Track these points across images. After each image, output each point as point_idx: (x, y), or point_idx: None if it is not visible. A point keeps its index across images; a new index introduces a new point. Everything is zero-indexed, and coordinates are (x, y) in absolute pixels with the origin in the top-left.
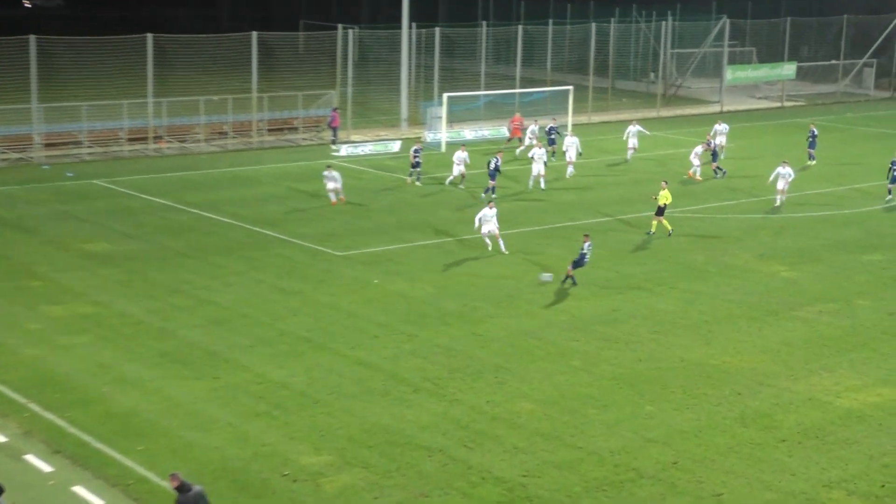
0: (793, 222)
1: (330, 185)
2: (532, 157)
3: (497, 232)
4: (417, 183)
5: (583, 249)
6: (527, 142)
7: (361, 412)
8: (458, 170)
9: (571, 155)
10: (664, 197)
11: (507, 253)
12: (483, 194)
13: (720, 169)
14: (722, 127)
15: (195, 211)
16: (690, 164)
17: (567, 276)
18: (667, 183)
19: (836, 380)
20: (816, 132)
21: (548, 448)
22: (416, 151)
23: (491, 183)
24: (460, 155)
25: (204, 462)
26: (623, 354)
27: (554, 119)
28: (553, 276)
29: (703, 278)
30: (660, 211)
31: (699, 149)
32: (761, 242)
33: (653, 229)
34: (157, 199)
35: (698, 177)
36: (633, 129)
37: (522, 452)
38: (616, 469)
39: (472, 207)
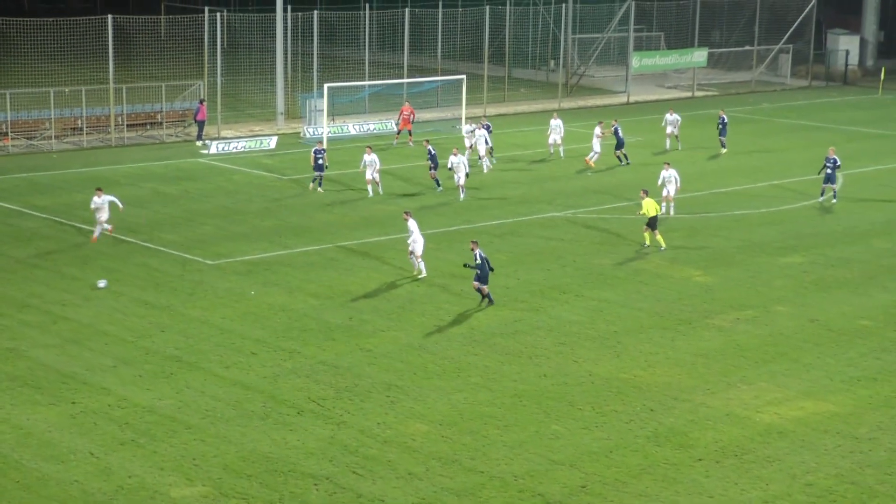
0: (705, 222)
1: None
2: (451, 168)
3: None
4: (320, 189)
5: (476, 260)
6: (467, 143)
7: (238, 438)
8: (370, 174)
9: (481, 149)
10: (649, 207)
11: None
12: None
13: (625, 157)
14: (673, 117)
15: (45, 216)
16: (590, 150)
17: (484, 297)
18: (647, 192)
19: (755, 393)
20: (726, 119)
21: (446, 473)
22: (317, 153)
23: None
24: (367, 158)
25: (62, 499)
26: (526, 369)
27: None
28: (108, 283)
29: (612, 285)
30: (652, 223)
31: (598, 130)
32: (672, 244)
33: (647, 241)
34: (2, 204)
35: (593, 163)
36: (555, 122)
37: (417, 479)
38: (521, 495)
39: (357, 209)
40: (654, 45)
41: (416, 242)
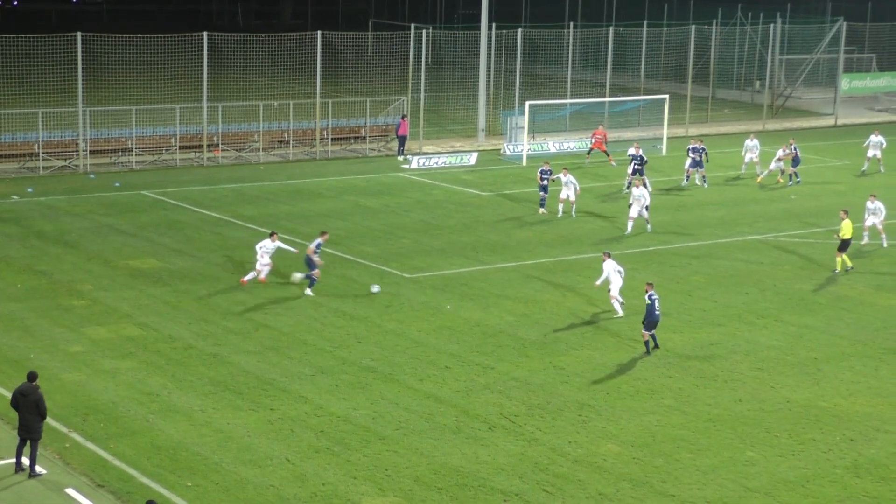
0: None
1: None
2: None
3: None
4: (543, 210)
5: (647, 301)
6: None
7: (430, 451)
8: (565, 193)
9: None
10: (846, 229)
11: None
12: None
13: (796, 175)
14: (878, 139)
15: (251, 226)
16: (777, 172)
17: (647, 345)
18: (847, 213)
19: None
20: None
21: (636, 495)
22: (543, 173)
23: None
24: (564, 178)
25: (258, 502)
26: (722, 393)
27: (699, 140)
28: (381, 288)
29: (812, 311)
30: (843, 245)
31: (781, 152)
32: (878, 270)
33: (838, 267)
34: (210, 213)
35: (778, 178)
36: (751, 143)
37: (608, 499)
38: None
39: (554, 227)
40: (865, 66)
41: (613, 283)
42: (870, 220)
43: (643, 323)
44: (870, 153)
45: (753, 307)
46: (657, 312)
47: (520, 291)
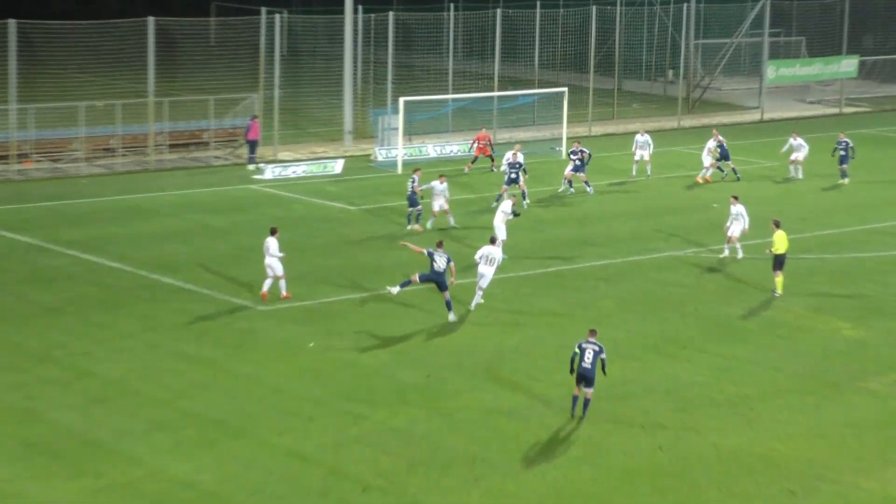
0: (856, 264)
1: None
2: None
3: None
4: (416, 226)
5: (575, 358)
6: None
7: None
8: (437, 205)
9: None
10: (780, 242)
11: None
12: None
13: (734, 170)
14: (798, 142)
15: (72, 253)
16: (701, 166)
17: (574, 402)
18: (778, 224)
19: None
20: (851, 143)
21: None
22: (414, 183)
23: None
24: (438, 186)
25: None
26: (638, 441)
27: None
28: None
29: (742, 339)
30: (778, 262)
31: (711, 143)
32: (816, 291)
33: (778, 289)
34: (21, 237)
35: (709, 177)
36: (641, 138)
37: None
38: None
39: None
40: (793, 52)
41: (483, 277)
42: (732, 229)
43: (579, 379)
44: (793, 156)
45: (673, 336)
46: (585, 365)
47: (398, 324)
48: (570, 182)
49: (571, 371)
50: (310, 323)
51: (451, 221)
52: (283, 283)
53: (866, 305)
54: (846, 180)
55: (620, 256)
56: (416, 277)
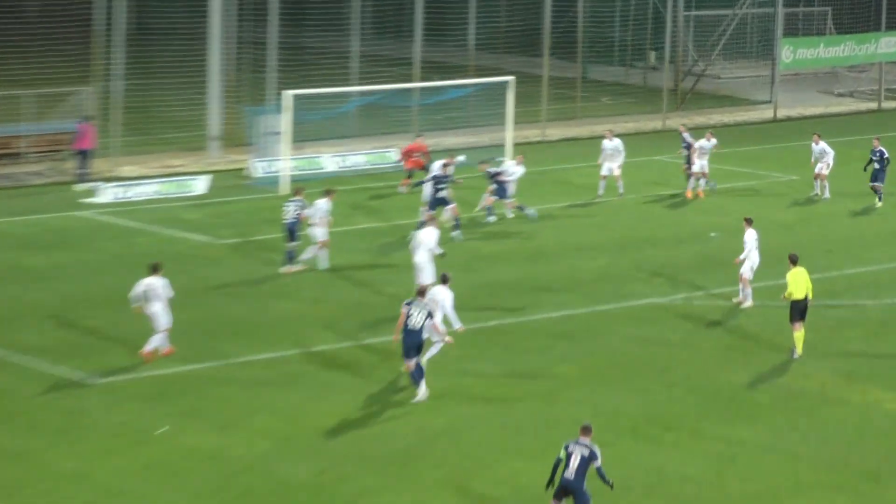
0: None
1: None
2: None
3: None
4: (292, 267)
5: (561, 468)
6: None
7: None
8: (321, 233)
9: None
10: (796, 283)
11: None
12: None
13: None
14: (819, 147)
15: None
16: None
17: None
18: (794, 260)
19: None
20: (886, 154)
21: None
22: (293, 206)
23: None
24: (323, 208)
25: None
26: None
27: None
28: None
29: (750, 416)
30: (797, 311)
31: (705, 143)
32: (846, 349)
33: (798, 348)
34: None
35: (701, 191)
36: (610, 144)
37: None
38: None
39: (331, 291)
40: (816, 27)
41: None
42: (744, 268)
43: (563, 486)
44: (816, 168)
45: (656, 414)
46: (567, 476)
47: (280, 399)
48: (490, 209)
49: (550, 483)
50: (160, 400)
51: (324, 262)
52: (160, 336)
53: None
54: (881, 202)
55: (585, 305)
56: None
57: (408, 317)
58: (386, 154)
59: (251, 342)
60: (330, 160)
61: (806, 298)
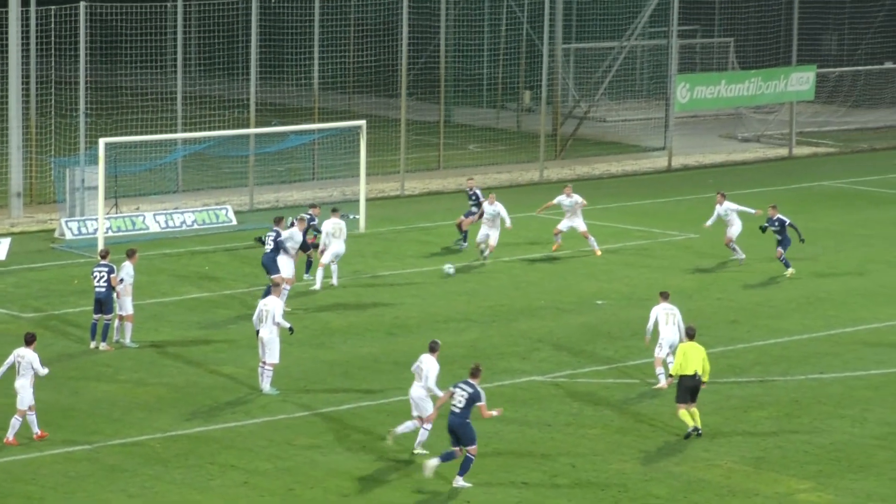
0: (818, 390)
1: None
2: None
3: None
4: (103, 345)
5: None
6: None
7: None
8: (128, 307)
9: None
10: (687, 358)
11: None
12: None
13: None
14: (724, 208)
15: None
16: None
17: None
18: (691, 334)
19: None
20: (788, 221)
21: None
22: (104, 270)
23: None
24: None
25: None
26: None
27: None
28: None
29: None
30: (686, 388)
31: (563, 199)
32: (757, 430)
33: (689, 424)
34: None
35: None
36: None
37: None
38: None
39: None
40: (716, 61)
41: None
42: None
43: None
44: (727, 232)
45: None
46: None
47: (99, 499)
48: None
49: None
50: None
51: (128, 339)
52: (33, 416)
53: (832, 454)
54: (791, 270)
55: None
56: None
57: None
58: (219, 211)
59: (62, 431)
60: (152, 219)
61: (696, 376)
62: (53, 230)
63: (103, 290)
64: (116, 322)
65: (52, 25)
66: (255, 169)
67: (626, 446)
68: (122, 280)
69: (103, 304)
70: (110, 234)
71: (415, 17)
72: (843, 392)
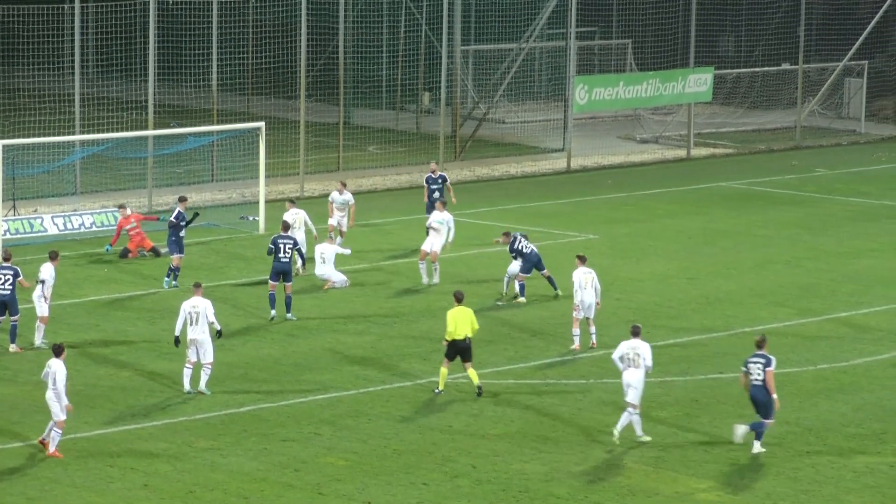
0: (716, 389)
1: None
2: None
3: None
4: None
5: None
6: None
7: None
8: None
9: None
10: (459, 322)
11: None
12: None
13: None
14: (343, 196)
15: None
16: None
17: None
18: (459, 299)
19: None
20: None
21: None
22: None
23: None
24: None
25: None
26: None
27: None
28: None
29: None
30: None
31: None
32: (655, 432)
33: (441, 384)
34: None
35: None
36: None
37: None
38: None
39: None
40: (615, 63)
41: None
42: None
43: None
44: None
45: None
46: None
47: None
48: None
49: None
50: None
51: (39, 340)
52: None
53: (731, 454)
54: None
55: (353, 387)
56: None
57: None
58: (116, 214)
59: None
60: (51, 221)
61: (466, 339)
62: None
63: (8, 292)
64: (38, 322)
65: None
66: (154, 171)
67: (527, 447)
68: (43, 281)
69: (8, 305)
70: (8, 236)
71: (313, 18)
72: (743, 392)
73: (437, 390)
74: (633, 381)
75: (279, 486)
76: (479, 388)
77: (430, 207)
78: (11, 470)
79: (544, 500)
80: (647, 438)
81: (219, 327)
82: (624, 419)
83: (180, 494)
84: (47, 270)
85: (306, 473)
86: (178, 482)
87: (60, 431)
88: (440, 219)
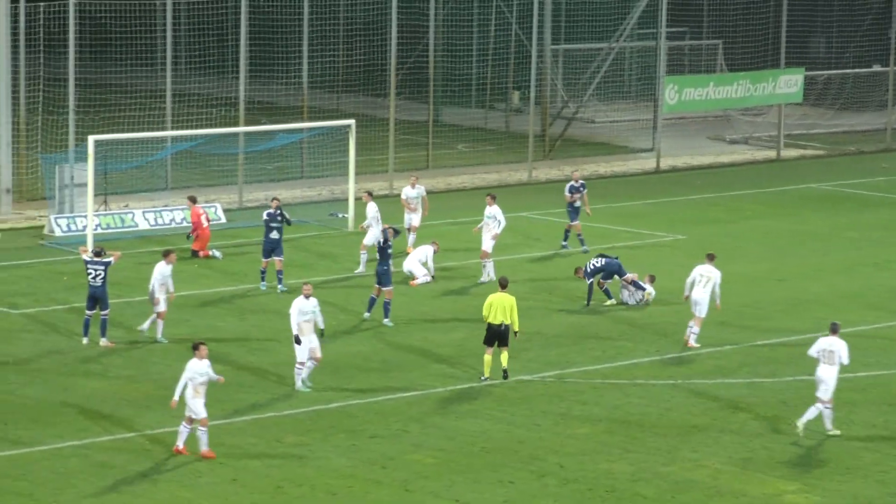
0: (805, 389)
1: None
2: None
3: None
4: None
5: None
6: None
7: None
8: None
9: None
10: (496, 308)
11: None
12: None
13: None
14: (416, 191)
15: None
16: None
17: None
18: (504, 285)
19: None
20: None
21: None
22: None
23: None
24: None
25: None
26: None
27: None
28: None
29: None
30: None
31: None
32: (742, 432)
33: (486, 373)
34: None
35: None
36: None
37: None
38: None
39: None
40: (705, 63)
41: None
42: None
43: None
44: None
45: None
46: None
47: (90, 494)
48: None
49: None
50: None
51: (159, 334)
52: (204, 434)
53: (819, 455)
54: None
55: (440, 384)
56: None
57: None
58: (208, 209)
59: (52, 428)
60: (141, 216)
61: (502, 325)
62: (42, 227)
63: (99, 286)
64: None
65: (41, 22)
66: (245, 167)
67: (614, 446)
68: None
69: (99, 300)
70: (99, 231)
71: (404, 16)
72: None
73: (483, 377)
74: (826, 378)
75: (367, 482)
76: (506, 371)
77: (574, 214)
78: (102, 464)
79: (631, 501)
80: (837, 432)
81: (322, 326)
82: (811, 413)
83: (269, 490)
84: (163, 269)
85: (394, 470)
86: (267, 477)
87: (205, 429)
88: (489, 213)
